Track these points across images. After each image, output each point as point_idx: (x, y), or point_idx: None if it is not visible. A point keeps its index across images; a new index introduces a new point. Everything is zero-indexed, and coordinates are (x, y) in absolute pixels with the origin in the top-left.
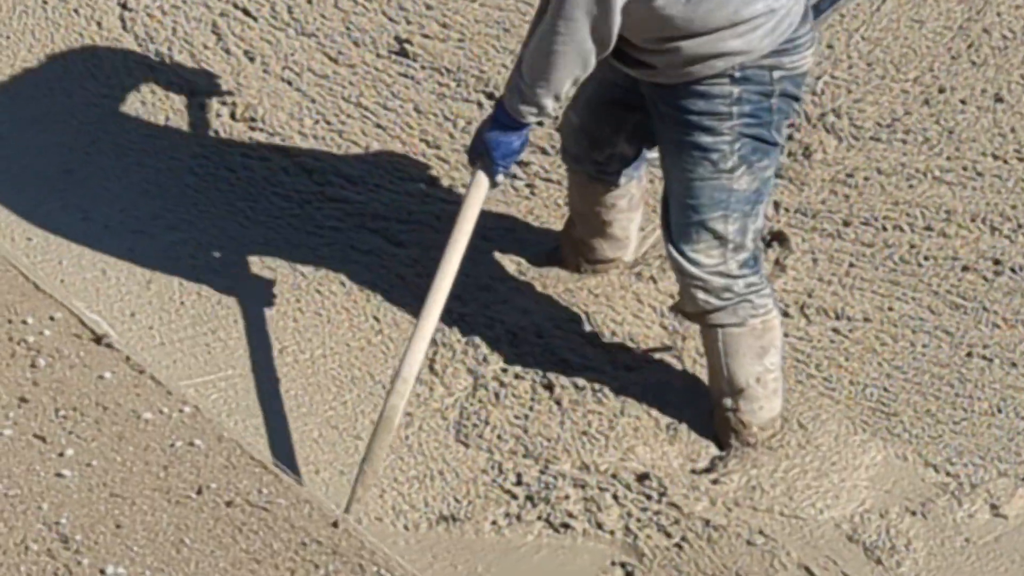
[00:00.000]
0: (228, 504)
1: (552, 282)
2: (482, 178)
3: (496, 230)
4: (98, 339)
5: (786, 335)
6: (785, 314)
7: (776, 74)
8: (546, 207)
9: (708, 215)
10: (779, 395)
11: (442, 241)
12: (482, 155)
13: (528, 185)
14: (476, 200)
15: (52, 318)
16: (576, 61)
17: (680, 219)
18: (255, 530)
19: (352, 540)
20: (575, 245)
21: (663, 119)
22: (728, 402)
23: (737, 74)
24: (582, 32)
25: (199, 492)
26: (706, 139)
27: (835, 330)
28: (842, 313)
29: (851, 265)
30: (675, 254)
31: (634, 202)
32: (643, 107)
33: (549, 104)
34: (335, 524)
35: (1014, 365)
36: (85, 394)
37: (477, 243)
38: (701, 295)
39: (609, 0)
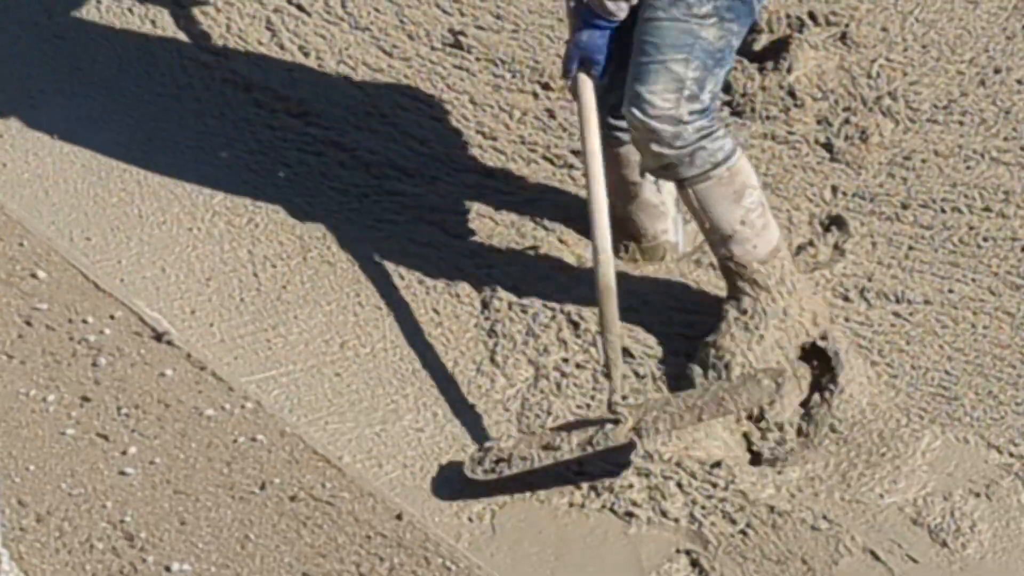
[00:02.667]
0: (292, 499)
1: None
2: (586, 79)
3: (555, 220)
4: (158, 337)
5: (846, 319)
6: (846, 298)
7: None
8: None
9: (670, 55)
10: (769, 227)
11: (501, 232)
12: (579, 59)
13: (574, 167)
14: (591, 101)
15: (112, 317)
16: None
17: (640, 59)
18: (319, 524)
19: (416, 532)
20: (619, 226)
21: None
22: (723, 251)
23: None
24: None
25: (262, 487)
26: None
27: (896, 314)
28: (902, 296)
29: (910, 248)
30: (627, 102)
31: None
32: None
33: None
34: (399, 517)
35: None
36: (147, 392)
37: (535, 232)
38: (654, 147)
39: None
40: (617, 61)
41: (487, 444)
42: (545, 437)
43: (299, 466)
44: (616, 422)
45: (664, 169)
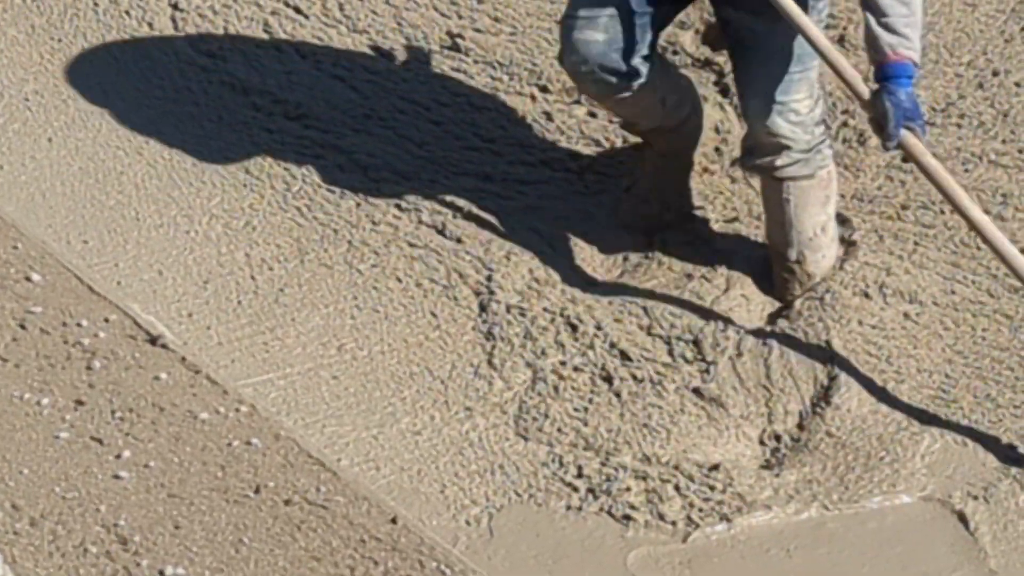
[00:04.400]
0: (286, 503)
1: (610, 276)
2: (910, 137)
3: (553, 224)
4: (153, 340)
5: (859, 323)
6: (866, 295)
7: None
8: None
9: (810, 63)
10: (836, 243)
11: (499, 235)
12: (903, 120)
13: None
14: (929, 157)
15: (107, 320)
16: None
17: (786, 70)
18: (314, 528)
19: (411, 536)
20: (655, 136)
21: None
22: (793, 254)
23: None
24: None
25: (257, 491)
26: None
27: (906, 315)
28: (914, 297)
29: (916, 244)
30: (774, 112)
31: (664, 65)
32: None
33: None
34: (394, 520)
35: None
36: (141, 395)
37: (531, 239)
38: (787, 151)
39: None
40: (631, 25)
41: None
42: None
43: (293, 470)
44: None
45: (779, 168)
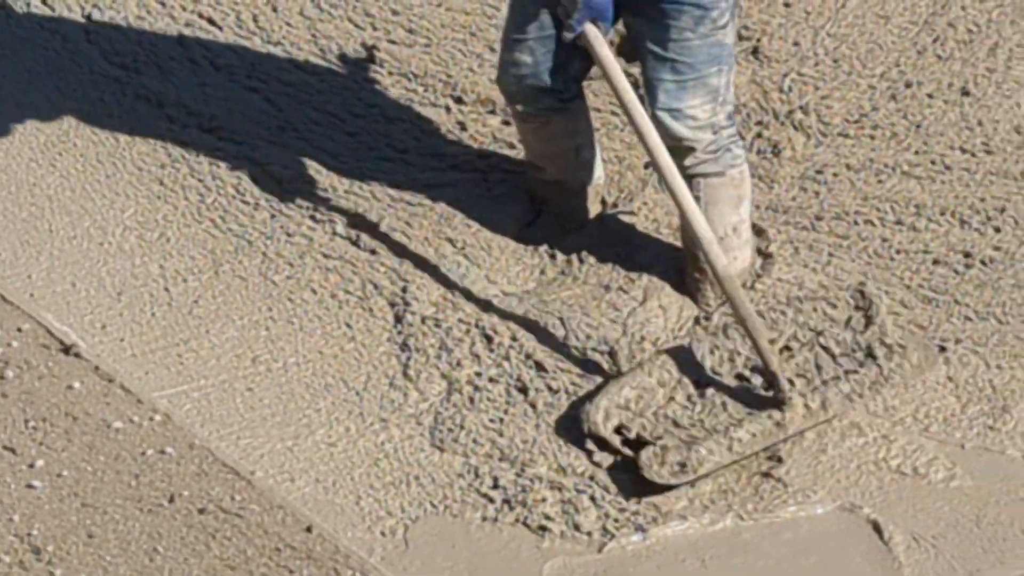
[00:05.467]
0: (201, 511)
1: (527, 286)
2: (596, 32)
3: (467, 234)
4: (67, 349)
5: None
6: (783, 312)
7: None
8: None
9: (706, 71)
10: (750, 245)
11: (414, 246)
12: (587, 16)
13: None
14: (608, 51)
15: (20, 330)
16: None
17: (677, 78)
18: (228, 537)
19: (327, 545)
20: (551, 192)
21: None
22: (704, 255)
23: None
24: None
25: (171, 500)
26: None
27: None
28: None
29: (830, 255)
30: (668, 118)
31: (588, 112)
32: None
33: None
34: (308, 529)
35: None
36: (54, 404)
37: (446, 249)
38: (691, 153)
39: None
40: (556, 43)
41: (659, 443)
42: (704, 422)
43: (208, 478)
44: (781, 405)
45: (688, 167)
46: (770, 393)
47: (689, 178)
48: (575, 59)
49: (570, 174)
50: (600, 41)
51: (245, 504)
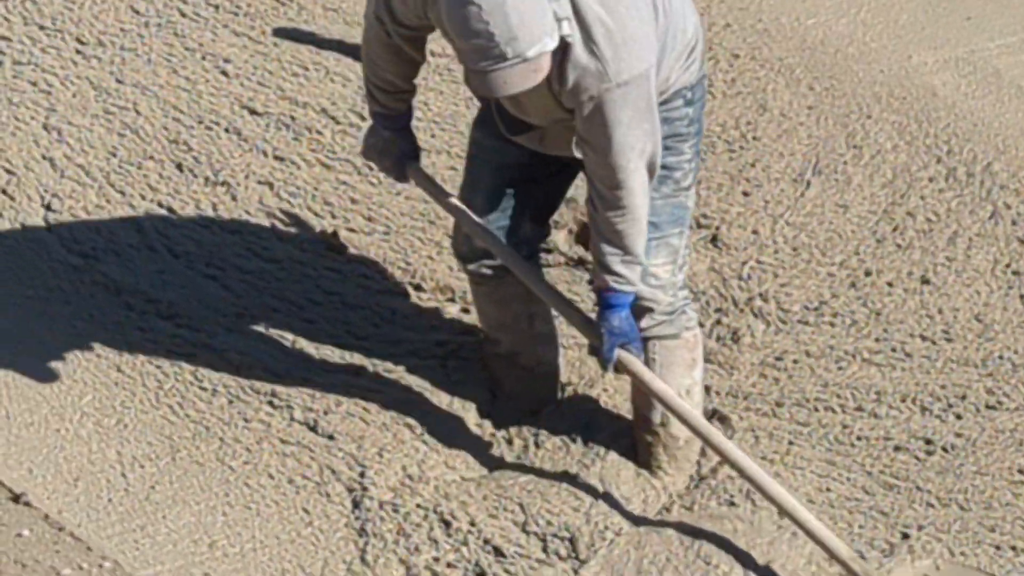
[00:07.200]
0: None
1: (486, 471)
2: (627, 355)
3: (424, 417)
4: (16, 498)
5: (735, 530)
6: (731, 503)
7: (704, 84)
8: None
9: (669, 231)
10: (700, 409)
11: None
12: (607, 342)
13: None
14: (645, 369)
15: None
16: None
17: None
18: None
19: None
20: (505, 369)
21: None
22: (657, 416)
23: (688, 95)
24: None
25: None
26: (670, 159)
27: (780, 514)
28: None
29: (790, 443)
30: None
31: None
32: (549, 176)
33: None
34: None
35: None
36: (3, 552)
37: (404, 434)
38: (646, 318)
39: None
40: (506, 205)
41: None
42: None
43: None
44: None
45: (644, 329)
46: None
47: (644, 340)
48: (525, 221)
49: (524, 346)
50: (636, 364)
51: None
